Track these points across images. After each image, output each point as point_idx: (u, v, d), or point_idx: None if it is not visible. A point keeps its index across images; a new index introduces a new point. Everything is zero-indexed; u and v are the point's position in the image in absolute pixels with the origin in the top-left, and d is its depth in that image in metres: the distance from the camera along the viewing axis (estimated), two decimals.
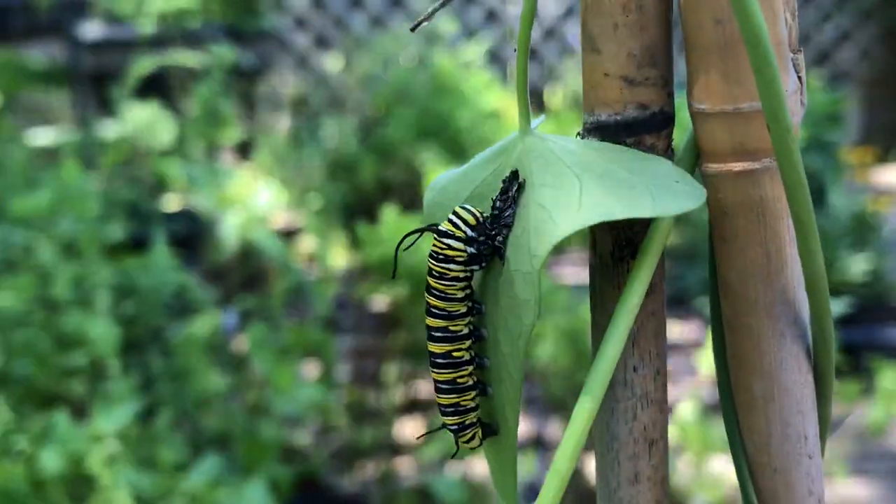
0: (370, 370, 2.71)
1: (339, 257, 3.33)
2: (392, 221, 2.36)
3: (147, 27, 4.28)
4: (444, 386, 0.47)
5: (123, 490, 1.86)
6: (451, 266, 0.45)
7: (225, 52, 4.00)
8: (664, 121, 0.43)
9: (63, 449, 1.89)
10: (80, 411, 2.17)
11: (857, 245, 3.49)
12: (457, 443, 0.49)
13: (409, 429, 2.57)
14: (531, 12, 0.43)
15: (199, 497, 1.90)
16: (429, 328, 0.46)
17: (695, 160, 0.43)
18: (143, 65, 3.92)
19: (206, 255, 3.53)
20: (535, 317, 0.42)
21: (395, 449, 2.50)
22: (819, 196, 3.83)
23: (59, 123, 4.22)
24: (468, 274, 0.45)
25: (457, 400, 0.47)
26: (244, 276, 3.46)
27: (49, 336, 2.27)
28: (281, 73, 5.12)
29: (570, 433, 0.41)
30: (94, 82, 4.44)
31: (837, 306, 2.62)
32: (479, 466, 2.38)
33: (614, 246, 0.44)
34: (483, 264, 0.45)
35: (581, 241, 2.90)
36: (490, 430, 0.47)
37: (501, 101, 4.32)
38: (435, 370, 0.47)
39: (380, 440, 2.48)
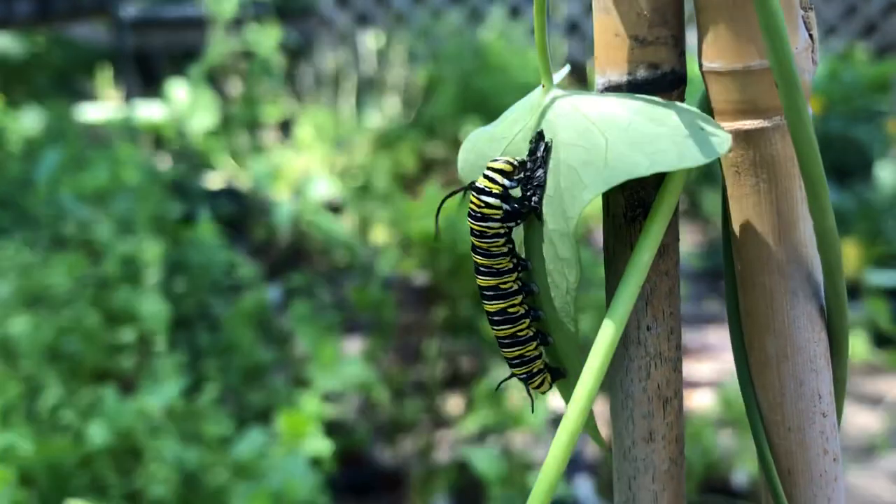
0: (412, 345, 2.73)
1: (382, 233, 3.34)
2: (433, 197, 2.37)
3: (192, 6, 4.32)
4: (505, 340, 0.48)
5: (168, 463, 1.89)
6: (490, 224, 0.45)
7: (271, 32, 4.02)
8: (675, 80, 0.43)
9: (110, 423, 1.93)
10: (128, 386, 2.20)
11: None
12: (528, 390, 0.50)
13: (451, 403, 2.58)
14: None
15: (243, 469, 1.93)
16: (481, 288, 0.48)
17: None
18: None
19: (251, 231, 3.56)
20: (579, 273, 0.44)
21: (437, 423, 2.51)
22: (866, 167, 3.78)
23: (104, 103, 4.27)
24: (507, 230, 0.46)
25: (521, 352, 0.48)
26: (290, 251, 3.49)
27: (98, 312, 2.31)
28: (323, 50, 5.13)
29: (580, 390, 0.41)
30: (139, 62, 4.48)
31: (889, 278, 2.58)
32: (517, 439, 2.39)
33: (626, 206, 0.44)
34: (519, 221, 0.46)
35: None
36: (558, 373, 0.49)
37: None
38: (495, 327, 0.48)
39: (422, 414, 2.50)
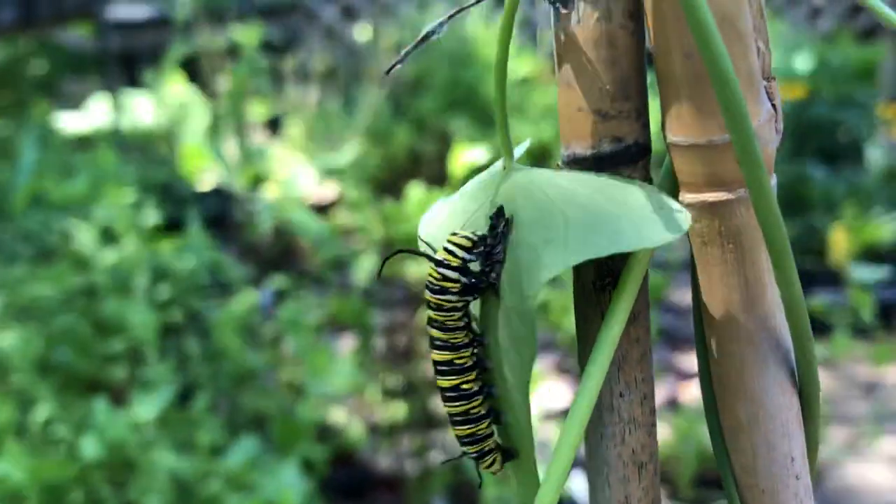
0: (402, 344, 2.73)
1: (373, 230, 3.34)
2: (418, 198, 2.36)
3: (179, 7, 4.29)
4: (458, 418, 0.47)
5: (162, 474, 1.89)
6: (448, 297, 0.45)
7: (256, 30, 4.01)
8: (639, 152, 0.43)
9: (103, 436, 1.93)
10: (120, 396, 2.20)
11: (893, 202, 3.45)
12: (478, 469, 0.49)
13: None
14: (506, 48, 0.43)
15: (236, 478, 1.94)
16: (435, 363, 0.47)
17: (673, 189, 0.43)
18: (177, 50, 3.94)
19: (240, 232, 3.55)
20: (534, 352, 0.43)
21: (430, 423, 2.52)
22: (855, 153, 3.78)
23: (91, 105, 4.26)
24: (465, 303, 0.46)
25: (473, 430, 0.47)
26: (279, 251, 3.49)
27: (88, 322, 2.30)
28: (309, 45, 5.11)
29: (557, 460, 0.41)
30: (125, 63, 4.46)
31: (875, 273, 2.59)
32: None
33: (596, 276, 0.44)
34: (477, 295, 0.45)
35: None
36: (510, 453, 0.48)
37: (532, 67, 4.30)
38: (447, 403, 0.47)
39: (414, 415, 2.51)
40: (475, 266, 0.44)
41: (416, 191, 2.38)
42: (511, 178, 0.45)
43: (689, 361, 2.91)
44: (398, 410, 2.52)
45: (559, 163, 0.44)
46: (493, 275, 0.44)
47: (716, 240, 0.42)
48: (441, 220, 0.49)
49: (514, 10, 0.44)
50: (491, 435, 0.48)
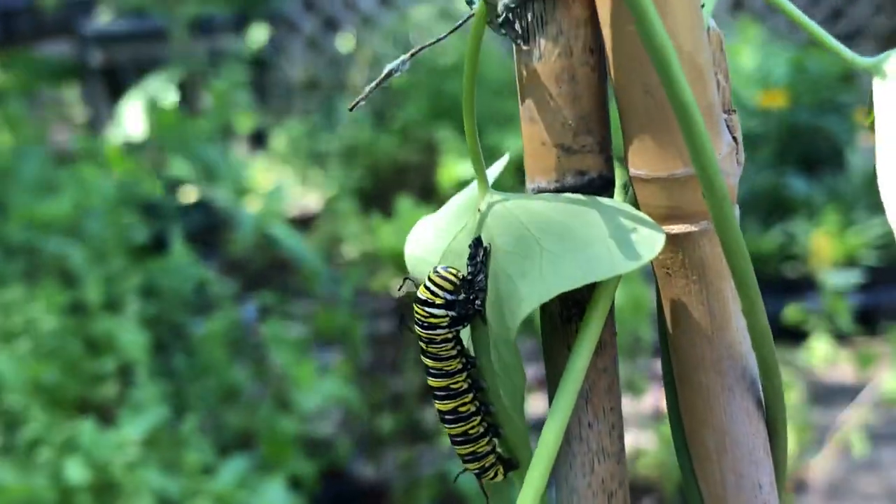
0: (388, 357, 2.73)
1: (357, 243, 3.34)
2: (406, 212, 2.36)
3: (158, 18, 4.29)
4: (458, 438, 0.48)
5: (147, 496, 1.88)
6: (438, 332, 0.46)
7: (241, 43, 4.02)
8: (603, 185, 0.43)
9: (89, 458, 1.92)
10: (108, 414, 2.19)
11: (873, 207, 3.46)
12: (481, 484, 0.51)
13: (429, 416, 2.58)
14: (473, 68, 0.44)
15: (223, 498, 1.93)
16: (432, 388, 0.48)
17: None
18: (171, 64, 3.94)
19: (223, 246, 3.54)
20: (523, 378, 0.44)
21: (416, 436, 2.52)
22: (836, 158, 3.80)
23: (71, 119, 4.25)
24: (455, 332, 0.46)
25: (473, 449, 0.49)
26: (263, 266, 3.48)
27: (79, 341, 2.29)
28: (292, 57, 5.11)
29: (527, 490, 0.42)
30: (105, 77, 4.45)
31: (852, 277, 2.60)
32: None
33: (562, 307, 0.45)
34: (466, 323, 0.46)
35: None
36: (510, 464, 0.50)
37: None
38: (447, 426, 0.49)
39: (401, 427, 2.51)
40: (460, 297, 0.45)
41: (404, 205, 2.37)
42: (488, 204, 0.45)
43: None
44: (385, 423, 2.52)
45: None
46: (478, 302, 0.44)
47: (680, 271, 0.42)
48: (427, 240, 0.50)
49: (479, 39, 0.44)
50: (491, 451, 0.49)
